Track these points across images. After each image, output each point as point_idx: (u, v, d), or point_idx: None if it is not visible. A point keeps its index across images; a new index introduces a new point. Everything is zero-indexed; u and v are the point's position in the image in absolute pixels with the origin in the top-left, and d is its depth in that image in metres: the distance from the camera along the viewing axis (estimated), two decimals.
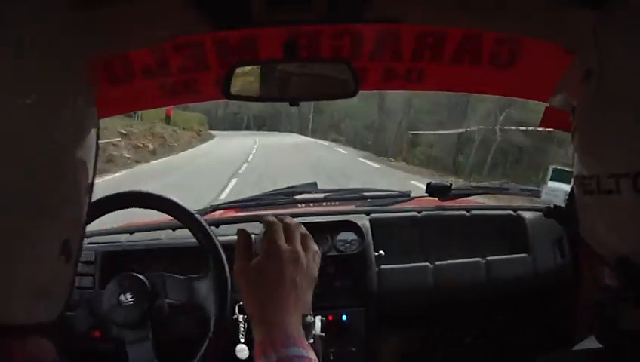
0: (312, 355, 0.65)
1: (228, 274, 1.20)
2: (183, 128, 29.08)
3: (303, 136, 41.50)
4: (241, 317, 1.33)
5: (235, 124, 54.68)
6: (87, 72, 0.48)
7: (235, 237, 1.55)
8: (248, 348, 1.23)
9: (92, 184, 0.49)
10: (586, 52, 0.53)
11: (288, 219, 0.80)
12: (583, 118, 0.54)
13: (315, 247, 0.79)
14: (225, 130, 47.85)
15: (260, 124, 56.03)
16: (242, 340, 1.29)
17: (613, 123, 0.50)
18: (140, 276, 1.20)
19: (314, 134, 43.53)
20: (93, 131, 0.47)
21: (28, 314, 0.41)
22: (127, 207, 1.33)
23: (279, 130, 51.98)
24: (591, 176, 0.52)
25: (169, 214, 1.29)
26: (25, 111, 0.38)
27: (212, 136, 33.87)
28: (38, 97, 0.39)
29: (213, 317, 1.16)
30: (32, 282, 0.40)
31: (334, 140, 35.59)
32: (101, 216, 1.24)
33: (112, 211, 1.27)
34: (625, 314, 0.54)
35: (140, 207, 1.28)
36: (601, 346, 0.56)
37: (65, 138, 0.42)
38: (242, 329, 1.31)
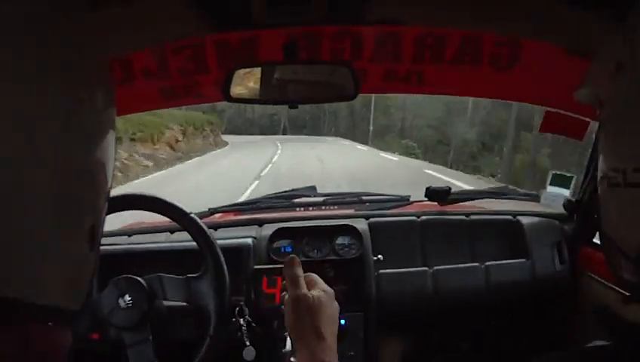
0: None
1: (227, 276, 1.19)
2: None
3: (358, 145, 29.98)
4: (242, 320, 1.33)
5: (271, 128, 47.58)
6: (106, 71, 0.48)
7: (233, 240, 1.55)
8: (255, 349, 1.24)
9: (111, 173, 0.50)
10: (617, 43, 0.53)
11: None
12: (613, 111, 0.54)
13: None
14: (262, 134, 42.60)
15: (300, 126, 48.31)
16: (247, 342, 1.29)
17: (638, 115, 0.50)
18: (137, 278, 1.19)
19: (359, 138, 34.51)
20: (112, 131, 0.47)
21: (57, 300, 0.41)
22: (126, 210, 1.32)
23: (322, 134, 43.29)
24: (617, 169, 0.52)
25: (168, 217, 1.28)
26: (44, 111, 0.38)
27: (212, 148, 24.59)
28: (58, 96, 0.39)
29: (212, 317, 1.16)
30: (63, 269, 0.41)
31: (408, 152, 25.64)
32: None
33: (109, 214, 1.26)
34: (636, 310, 0.53)
35: (139, 210, 1.27)
36: (600, 345, 0.56)
37: (84, 138, 0.42)
38: (244, 331, 1.31)
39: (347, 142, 32.24)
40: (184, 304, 1.22)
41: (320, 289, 0.84)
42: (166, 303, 1.23)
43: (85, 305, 1.25)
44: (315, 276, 0.88)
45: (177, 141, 20.05)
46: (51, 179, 0.38)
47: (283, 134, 44.58)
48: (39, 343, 0.41)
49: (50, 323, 0.42)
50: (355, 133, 38.82)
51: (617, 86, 0.53)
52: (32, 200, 0.37)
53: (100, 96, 0.45)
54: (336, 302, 0.86)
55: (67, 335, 0.45)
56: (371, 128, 34.84)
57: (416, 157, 23.61)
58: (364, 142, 32.38)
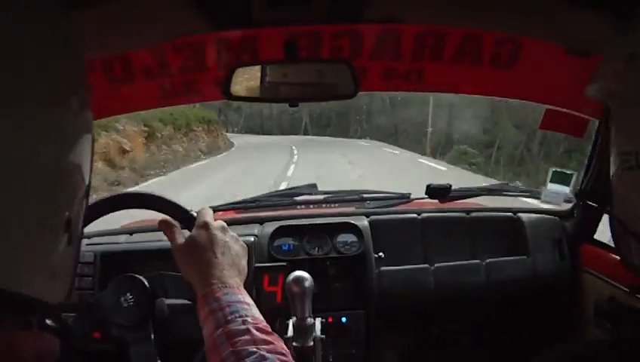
0: (248, 299, 0.76)
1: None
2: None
3: (421, 158, 21.10)
4: None
5: (292, 127, 43.40)
6: (82, 74, 0.48)
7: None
8: None
9: (91, 172, 0.50)
10: (628, 39, 0.55)
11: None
12: (625, 98, 0.55)
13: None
14: (282, 133, 39.00)
15: (324, 125, 43.10)
16: None
17: None
18: (139, 277, 1.19)
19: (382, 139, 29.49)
20: (87, 134, 0.48)
21: (39, 291, 0.42)
22: (126, 208, 1.32)
23: (348, 135, 38.57)
24: (630, 152, 0.53)
25: (169, 215, 1.28)
26: (17, 112, 0.38)
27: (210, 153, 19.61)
28: (31, 98, 0.39)
29: None
30: (40, 261, 0.41)
31: (465, 160, 19.86)
32: (99, 217, 1.24)
33: (110, 213, 1.26)
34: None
35: (140, 208, 1.27)
36: (599, 339, 0.57)
37: (59, 139, 0.43)
38: None
39: (396, 150, 24.06)
40: (186, 302, 1.22)
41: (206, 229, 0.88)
42: (168, 301, 1.23)
43: (86, 305, 1.26)
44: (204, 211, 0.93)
45: (125, 152, 13.35)
46: (27, 177, 0.39)
47: (304, 134, 40.81)
48: (25, 350, 0.41)
49: (34, 317, 0.43)
50: (396, 136, 31.40)
51: (630, 73, 0.54)
52: (8, 196, 0.37)
53: (75, 100, 0.45)
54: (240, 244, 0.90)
55: (53, 344, 0.46)
56: (430, 130, 26.24)
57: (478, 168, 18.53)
58: (418, 150, 23.99)
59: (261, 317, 0.75)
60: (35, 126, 0.40)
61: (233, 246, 0.88)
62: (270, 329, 0.71)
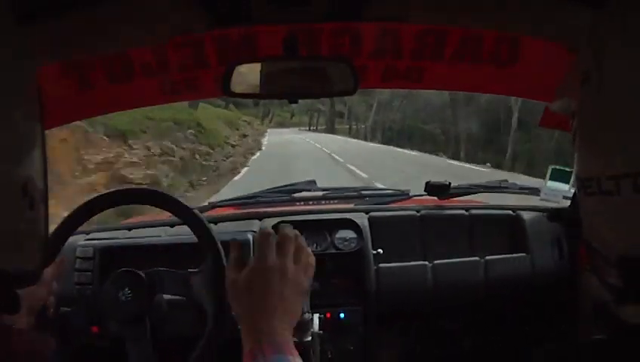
0: (297, 359, 0.68)
1: (226, 271, 1.19)
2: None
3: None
4: None
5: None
6: (26, 86, 0.48)
7: (233, 234, 1.56)
8: None
9: (46, 183, 0.51)
10: (584, 54, 0.54)
11: (287, 230, 0.81)
12: (583, 120, 0.55)
13: (310, 260, 0.81)
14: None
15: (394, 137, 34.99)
16: None
17: (612, 125, 0.51)
18: (137, 272, 1.20)
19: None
20: (39, 140, 0.49)
21: (7, 262, 0.42)
22: (125, 204, 1.33)
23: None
24: (591, 178, 0.53)
25: (168, 211, 1.29)
26: None
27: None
28: None
29: (210, 313, 1.16)
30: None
31: None
32: (99, 212, 1.24)
33: (109, 208, 1.27)
34: (625, 309, 0.55)
35: (139, 204, 1.28)
36: (597, 338, 0.57)
37: (6, 148, 0.44)
38: None
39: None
40: (183, 298, 1.23)
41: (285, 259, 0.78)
42: (166, 297, 1.24)
43: (84, 298, 1.27)
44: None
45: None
46: None
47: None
48: (18, 350, 0.41)
49: (26, 330, 0.43)
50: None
51: (585, 96, 0.54)
52: None
53: (18, 112, 0.46)
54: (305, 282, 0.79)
55: (47, 340, 0.46)
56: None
57: None
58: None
59: None
60: None
61: (299, 283, 0.78)
62: None
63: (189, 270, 1.23)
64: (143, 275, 1.19)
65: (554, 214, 1.56)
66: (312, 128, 58.29)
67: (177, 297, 1.24)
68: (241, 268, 0.79)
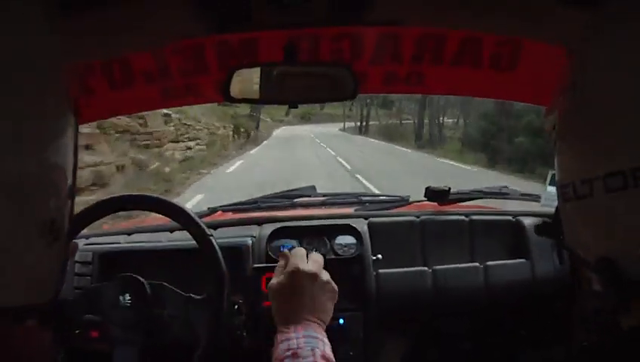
0: (326, 339, 0.83)
1: (225, 298, 1.18)
2: None
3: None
4: (240, 319, 1.33)
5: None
6: (63, 80, 0.48)
7: (233, 239, 1.56)
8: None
9: (74, 174, 0.51)
10: (572, 66, 0.56)
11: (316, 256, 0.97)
12: (561, 128, 0.56)
13: (333, 286, 0.96)
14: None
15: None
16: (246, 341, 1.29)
17: (584, 131, 0.52)
18: (141, 280, 1.19)
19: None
20: (68, 136, 0.48)
21: (19, 296, 0.42)
22: (126, 210, 1.33)
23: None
24: (568, 183, 0.55)
25: (168, 216, 1.29)
26: None
27: None
28: (11, 103, 0.40)
29: (202, 342, 1.15)
30: (18, 264, 0.41)
31: None
32: (100, 218, 1.24)
33: (110, 214, 1.27)
34: (616, 315, 0.55)
35: (139, 210, 1.28)
36: (592, 344, 0.58)
37: (40, 144, 0.43)
38: (243, 330, 1.31)
39: None
40: (180, 319, 1.21)
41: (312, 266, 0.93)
42: (163, 312, 1.23)
43: (84, 293, 1.27)
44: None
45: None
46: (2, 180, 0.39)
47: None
48: (16, 345, 0.41)
49: (25, 324, 0.43)
50: None
51: (565, 103, 0.55)
52: None
53: (52, 102, 0.46)
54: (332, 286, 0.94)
55: (45, 336, 0.46)
56: None
57: None
58: None
59: (332, 355, 0.81)
60: (11, 130, 0.40)
61: (329, 289, 0.94)
62: None
63: (191, 295, 1.22)
64: (147, 285, 1.19)
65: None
66: (358, 125, 47.45)
67: (174, 316, 1.23)
68: (281, 274, 0.93)
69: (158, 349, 1.24)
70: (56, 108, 0.46)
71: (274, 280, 0.93)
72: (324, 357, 0.77)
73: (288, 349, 0.78)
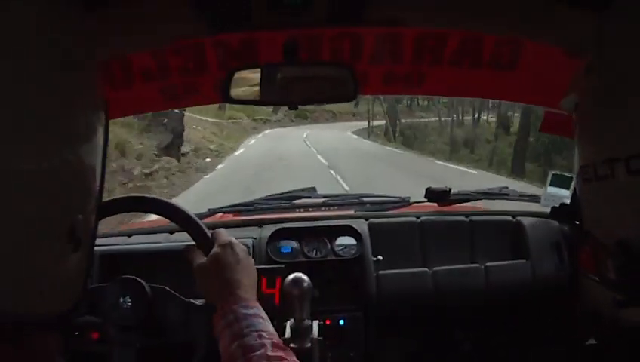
0: (264, 314, 0.81)
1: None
2: None
3: None
4: None
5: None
6: (96, 74, 0.47)
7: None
8: None
9: (103, 175, 0.49)
10: (588, 50, 0.55)
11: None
12: (583, 110, 0.56)
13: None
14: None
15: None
16: None
17: (607, 112, 0.52)
18: (142, 282, 1.19)
19: None
20: (99, 135, 0.47)
21: (44, 305, 0.40)
22: (125, 212, 1.32)
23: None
24: (588, 164, 0.54)
25: (167, 218, 1.28)
26: (31, 113, 0.37)
27: None
28: (45, 97, 0.38)
29: (200, 351, 1.15)
30: (42, 272, 0.40)
31: None
32: (103, 218, 1.24)
33: (108, 216, 1.26)
34: (625, 310, 0.55)
35: (138, 211, 1.27)
36: (595, 342, 0.58)
37: (71, 138, 0.42)
38: None
39: None
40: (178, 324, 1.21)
41: (222, 244, 0.93)
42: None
43: (88, 289, 1.24)
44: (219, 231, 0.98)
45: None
46: (31, 179, 0.38)
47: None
48: (28, 344, 0.41)
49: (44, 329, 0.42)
50: None
51: (587, 87, 0.55)
52: (12, 203, 0.36)
53: (89, 98, 0.45)
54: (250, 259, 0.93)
55: (55, 338, 0.45)
56: None
57: None
58: None
59: (275, 332, 0.78)
60: (47, 129, 0.38)
61: (253, 269, 0.92)
62: (284, 345, 0.74)
63: (192, 301, 1.21)
64: (148, 288, 1.18)
65: (554, 211, 1.55)
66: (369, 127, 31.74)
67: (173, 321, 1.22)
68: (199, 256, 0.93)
69: (158, 351, 1.23)
70: (89, 105, 0.45)
71: (200, 260, 0.93)
72: (272, 342, 0.74)
73: (233, 339, 0.75)
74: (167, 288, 1.21)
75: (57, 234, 0.41)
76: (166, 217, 1.27)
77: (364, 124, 34.00)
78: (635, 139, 0.48)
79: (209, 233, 1.21)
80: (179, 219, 1.24)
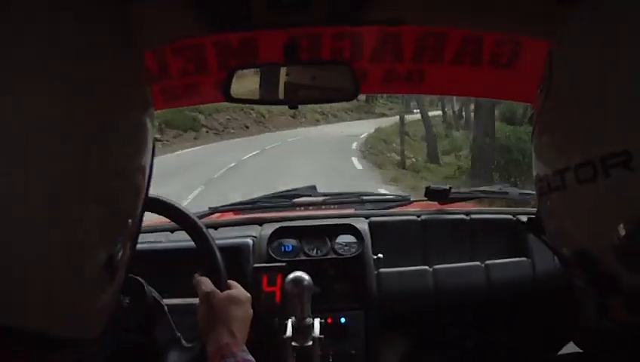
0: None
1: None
2: None
3: None
4: None
5: None
6: (142, 69, 0.45)
7: (233, 240, 1.56)
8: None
9: (147, 192, 0.46)
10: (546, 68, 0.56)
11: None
12: (536, 122, 0.56)
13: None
14: None
15: None
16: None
17: (554, 123, 0.52)
18: (142, 281, 1.18)
19: None
20: (152, 132, 0.44)
21: (67, 329, 0.38)
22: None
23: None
24: (542, 177, 0.54)
25: (167, 217, 1.28)
26: (81, 116, 0.34)
27: None
28: (95, 98, 0.36)
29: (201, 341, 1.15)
30: (73, 297, 0.37)
31: None
32: None
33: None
34: (595, 312, 0.55)
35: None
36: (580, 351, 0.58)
37: (126, 143, 0.39)
38: None
39: None
40: (183, 303, 1.21)
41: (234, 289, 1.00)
42: (166, 301, 1.22)
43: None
44: (234, 283, 1.04)
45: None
46: (92, 189, 0.36)
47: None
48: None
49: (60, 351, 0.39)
50: None
51: (540, 99, 0.56)
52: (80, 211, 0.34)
53: (139, 97, 0.42)
54: (251, 309, 1.00)
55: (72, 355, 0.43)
56: None
57: None
58: None
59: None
60: (107, 132, 0.36)
61: (250, 313, 0.99)
62: None
63: (193, 304, 1.20)
64: (148, 288, 1.18)
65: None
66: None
67: (177, 300, 1.22)
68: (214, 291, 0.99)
69: (157, 351, 1.23)
70: (139, 100, 0.42)
71: (212, 292, 0.98)
72: None
73: None
74: (167, 300, 1.19)
75: (94, 260, 0.38)
76: (168, 218, 1.26)
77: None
78: (582, 147, 0.48)
79: (209, 235, 1.21)
80: (179, 219, 1.24)
